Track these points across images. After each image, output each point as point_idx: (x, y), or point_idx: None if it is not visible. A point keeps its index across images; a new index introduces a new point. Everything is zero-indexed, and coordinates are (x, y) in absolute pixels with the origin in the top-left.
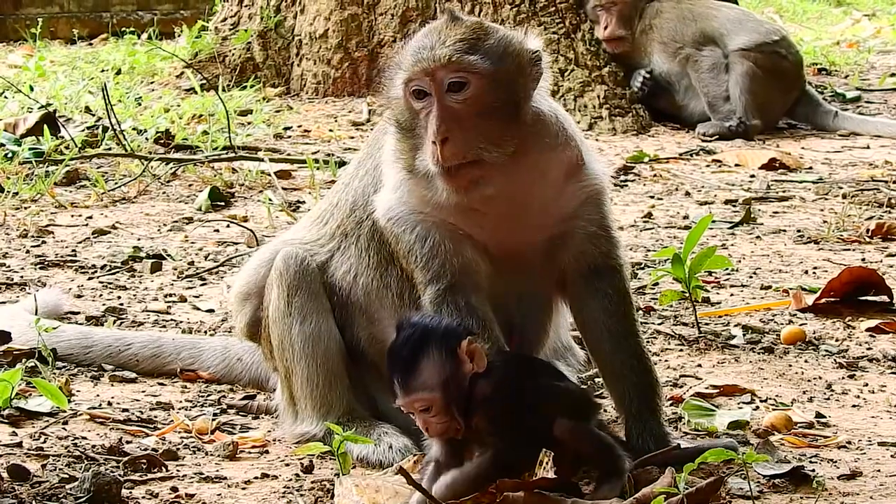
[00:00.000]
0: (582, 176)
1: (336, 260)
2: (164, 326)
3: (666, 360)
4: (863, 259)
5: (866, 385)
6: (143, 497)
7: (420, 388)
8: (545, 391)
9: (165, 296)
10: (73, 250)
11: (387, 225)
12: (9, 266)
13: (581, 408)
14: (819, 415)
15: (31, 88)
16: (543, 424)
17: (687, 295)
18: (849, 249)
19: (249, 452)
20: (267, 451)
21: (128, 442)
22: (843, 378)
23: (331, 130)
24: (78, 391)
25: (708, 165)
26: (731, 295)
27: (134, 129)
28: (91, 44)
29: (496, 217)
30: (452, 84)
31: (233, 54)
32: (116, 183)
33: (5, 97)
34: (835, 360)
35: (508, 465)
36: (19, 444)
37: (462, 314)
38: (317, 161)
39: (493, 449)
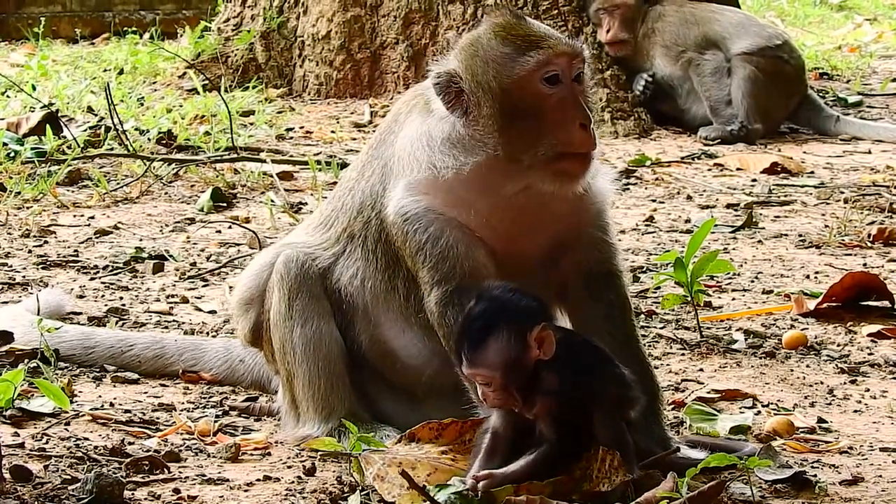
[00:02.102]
0: (592, 190)
1: (341, 264)
2: (167, 327)
3: (668, 365)
4: (864, 264)
5: (868, 390)
6: (146, 498)
7: (482, 364)
8: (602, 387)
9: (167, 297)
10: (76, 250)
11: (396, 221)
12: (11, 266)
13: (626, 397)
14: (821, 420)
15: (34, 88)
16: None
17: (689, 299)
18: (850, 254)
19: (252, 454)
20: (269, 454)
21: (130, 443)
22: (844, 383)
23: (333, 132)
24: (80, 392)
25: (710, 169)
26: (733, 299)
27: (136, 129)
28: (93, 43)
29: (510, 222)
30: (578, 75)
31: (235, 55)
32: (118, 183)
33: (7, 96)
34: (836, 365)
35: (561, 458)
36: (21, 445)
37: None
38: (319, 162)
39: (548, 444)
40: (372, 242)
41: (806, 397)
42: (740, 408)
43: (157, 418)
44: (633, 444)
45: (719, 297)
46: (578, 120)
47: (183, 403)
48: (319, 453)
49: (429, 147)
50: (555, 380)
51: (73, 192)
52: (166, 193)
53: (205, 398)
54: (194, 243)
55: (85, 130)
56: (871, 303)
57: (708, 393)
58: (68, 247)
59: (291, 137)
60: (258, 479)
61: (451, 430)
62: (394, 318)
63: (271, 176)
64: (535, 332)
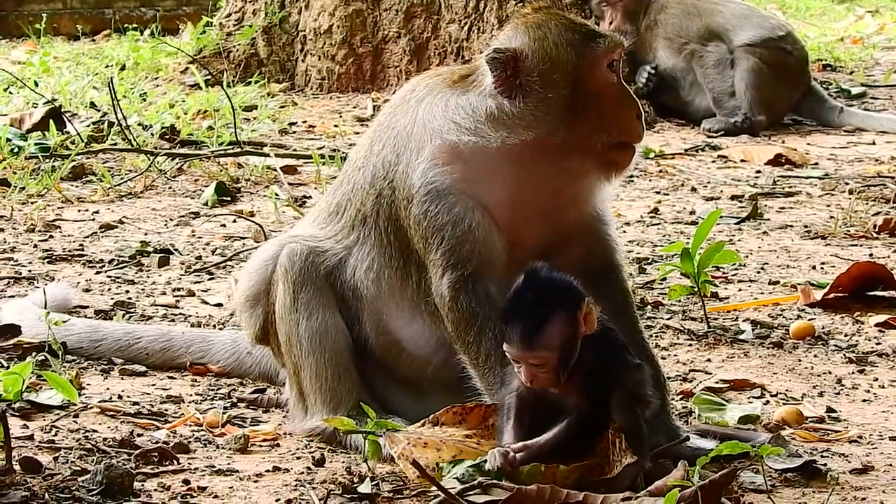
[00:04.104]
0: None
1: (355, 256)
2: (173, 320)
3: (675, 355)
4: (870, 254)
5: (876, 380)
6: (155, 489)
7: (542, 346)
8: (622, 376)
9: (173, 290)
10: (81, 245)
11: (420, 191)
12: (17, 261)
13: (643, 392)
14: (830, 409)
15: (36, 84)
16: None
17: (696, 290)
18: (856, 245)
19: (261, 445)
20: (278, 445)
21: (139, 435)
22: (852, 373)
23: (336, 126)
24: (88, 384)
25: (714, 161)
26: (740, 290)
27: (139, 124)
28: (94, 40)
29: (522, 208)
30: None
31: (237, 50)
32: (122, 178)
33: (10, 92)
34: (844, 354)
35: (588, 429)
36: (31, 437)
37: (481, 304)
38: (322, 156)
39: (576, 413)
40: (384, 220)
41: (814, 387)
42: (749, 398)
43: (166, 410)
44: (647, 437)
45: (725, 288)
46: (636, 110)
47: (191, 395)
48: (328, 446)
49: (472, 118)
50: (589, 357)
51: (77, 187)
52: (170, 188)
53: (213, 390)
54: (199, 237)
55: (88, 126)
56: (877, 293)
57: (716, 383)
58: (73, 241)
59: (294, 132)
60: (268, 470)
61: (475, 415)
62: (404, 308)
63: (275, 170)
64: (583, 308)
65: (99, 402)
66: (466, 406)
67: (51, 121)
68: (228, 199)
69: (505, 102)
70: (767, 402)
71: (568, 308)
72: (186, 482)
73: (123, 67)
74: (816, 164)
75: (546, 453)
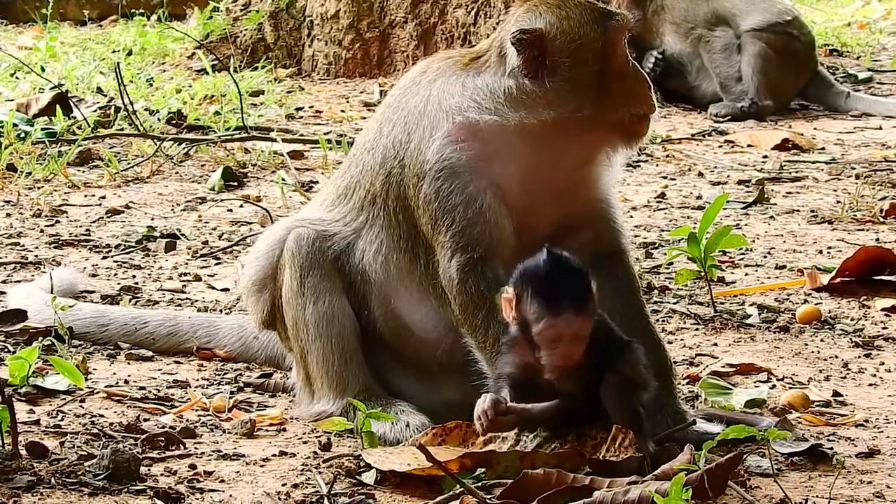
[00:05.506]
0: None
1: (364, 238)
2: (180, 305)
3: (682, 339)
4: (877, 239)
5: (882, 364)
6: (162, 474)
7: (589, 312)
8: (622, 351)
9: (180, 275)
10: (87, 230)
11: (434, 167)
12: (23, 245)
13: (638, 380)
14: (836, 393)
15: (43, 69)
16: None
17: (702, 274)
18: (862, 229)
19: (267, 430)
20: (284, 429)
21: (145, 420)
22: (859, 357)
23: (342, 111)
24: (94, 369)
25: (720, 146)
26: (746, 274)
27: (146, 109)
28: (101, 25)
29: (535, 187)
30: None
31: (244, 35)
32: (129, 163)
33: (17, 78)
34: (850, 339)
35: (577, 414)
36: (37, 422)
37: (489, 287)
38: (329, 141)
39: (560, 400)
40: (393, 201)
41: (821, 371)
42: (755, 382)
43: (172, 395)
44: (645, 421)
45: (732, 273)
46: (648, 82)
47: (197, 380)
48: (334, 431)
49: (491, 98)
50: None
51: (83, 172)
52: (177, 173)
53: (219, 375)
54: (206, 222)
55: (95, 111)
56: (884, 277)
57: (722, 367)
58: (80, 226)
59: (301, 117)
60: (274, 455)
61: (454, 436)
62: (412, 292)
63: (282, 155)
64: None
65: (105, 386)
66: (446, 426)
67: (57, 106)
68: (235, 184)
69: (527, 82)
70: (774, 386)
71: (590, 279)
72: (193, 467)
73: (130, 53)
74: (823, 148)
75: (532, 421)
